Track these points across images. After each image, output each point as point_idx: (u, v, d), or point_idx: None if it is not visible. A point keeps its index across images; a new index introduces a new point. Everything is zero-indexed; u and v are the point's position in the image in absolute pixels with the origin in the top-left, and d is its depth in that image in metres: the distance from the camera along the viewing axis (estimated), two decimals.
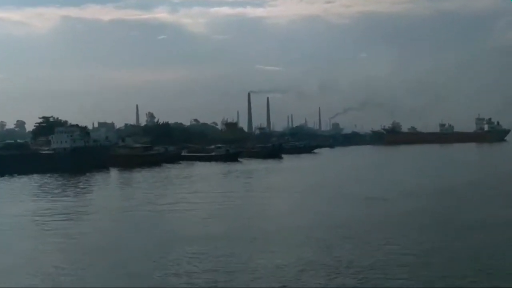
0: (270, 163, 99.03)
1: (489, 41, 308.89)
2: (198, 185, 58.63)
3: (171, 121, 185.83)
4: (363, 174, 65.63)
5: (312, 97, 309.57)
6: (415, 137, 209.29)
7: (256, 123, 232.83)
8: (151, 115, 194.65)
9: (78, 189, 57.87)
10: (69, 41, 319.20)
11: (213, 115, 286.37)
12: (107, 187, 61.19)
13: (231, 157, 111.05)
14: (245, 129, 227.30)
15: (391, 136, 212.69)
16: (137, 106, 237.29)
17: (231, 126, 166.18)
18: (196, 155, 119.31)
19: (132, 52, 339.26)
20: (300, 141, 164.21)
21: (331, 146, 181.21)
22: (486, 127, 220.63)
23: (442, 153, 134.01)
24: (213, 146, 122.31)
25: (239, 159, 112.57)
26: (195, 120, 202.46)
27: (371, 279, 19.74)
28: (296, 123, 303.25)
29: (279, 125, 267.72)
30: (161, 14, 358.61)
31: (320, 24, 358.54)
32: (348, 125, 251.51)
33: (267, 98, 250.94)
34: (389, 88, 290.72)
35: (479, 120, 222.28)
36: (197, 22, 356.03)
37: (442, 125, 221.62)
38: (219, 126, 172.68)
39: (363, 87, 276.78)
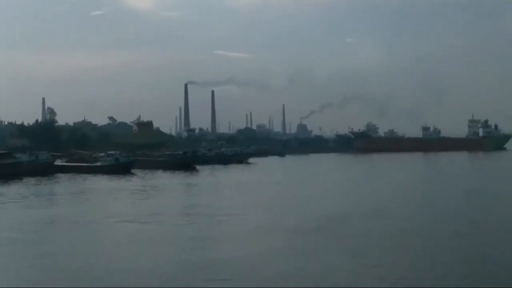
0: (168, 178, 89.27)
1: (503, 23, 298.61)
2: None
3: (87, 119, 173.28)
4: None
5: (282, 90, 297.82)
6: (392, 144, 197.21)
7: (202, 123, 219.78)
8: (51, 112, 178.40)
9: None
10: None
11: (149, 112, 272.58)
12: None
13: (121, 168, 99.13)
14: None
15: (361, 142, 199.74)
16: (43, 99, 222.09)
17: (145, 127, 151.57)
18: (76, 165, 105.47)
19: (56, 31, 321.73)
20: (243, 146, 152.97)
21: (281, 154, 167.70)
22: (481, 132, 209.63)
23: (422, 167, 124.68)
24: (102, 154, 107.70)
25: (133, 171, 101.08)
26: (111, 118, 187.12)
27: None
28: (259, 122, 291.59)
29: (238, 125, 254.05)
30: None
31: (296, 1, 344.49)
32: (323, 126, 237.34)
33: (212, 92, 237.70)
34: (380, 81, 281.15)
35: (473, 123, 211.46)
36: None
37: (425, 129, 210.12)
38: (134, 127, 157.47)
39: (347, 79, 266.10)
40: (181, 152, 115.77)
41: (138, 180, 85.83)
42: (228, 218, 43.46)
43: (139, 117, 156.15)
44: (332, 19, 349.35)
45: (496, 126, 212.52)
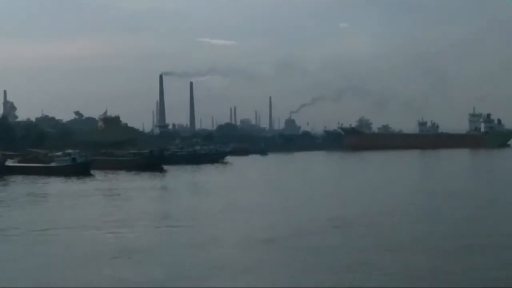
0: (129, 180, 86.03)
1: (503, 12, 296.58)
2: None
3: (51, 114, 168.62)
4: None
5: (270, 81, 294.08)
6: (386, 141, 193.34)
7: (180, 118, 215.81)
8: (11, 106, 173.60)
9: None
10: None
11: (123, 107, 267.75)
12: None
13: (78, 169, 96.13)
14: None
15: (351, 139, 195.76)
16: (4, 92, 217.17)
17: (112, 123, 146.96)
18: (28, 166, 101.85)
19: (20, 16, 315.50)
20: (219, 144, 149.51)
21: (263, 152, 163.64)
22: (483, 127, 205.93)
23: (414, 166, 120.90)
24: (59, 153, 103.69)
25: (92, 172, 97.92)
26: (77, 113, 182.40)
27: None
28: (245, 117, 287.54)
29: (222, 120, 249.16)
30: None
31: None
32: (315, 121, 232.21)
33: (190, 84, 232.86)
34: (376, 71, 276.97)
35: (474, 117, 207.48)
36: None
37: (422, 124, 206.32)
38: (100, 123, 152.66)
39: (341, 69, 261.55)
40: (147, 151, 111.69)
41: (95, 182, 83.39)
42: (161, 229, 41.17)
43: (106, 111, 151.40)
44: (326, 3, 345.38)
45: (499, 120, 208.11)
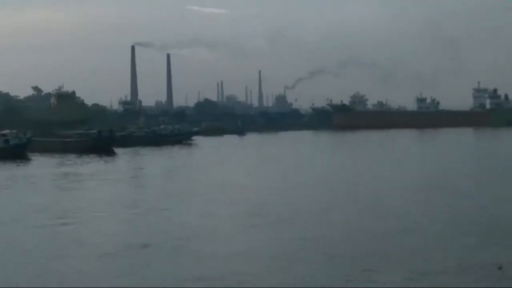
0: (65, 165, 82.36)
1: None
2: None
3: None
4: None
5: (264, 54, 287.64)
6: (380, 119, 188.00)
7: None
8: None
9: None
10: None
11: (95, 83, 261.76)
12: None
13: (12, 152, 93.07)
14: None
15: (341, 117, 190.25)
16: None
17: (65, 99, 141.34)
18: None
19: None
20: (186, 123, 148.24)
21: (240, 132, 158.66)
22: (488, 103, 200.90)
23: (405, 150, 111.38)
24: None
25: (31, 155, 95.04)
26: (35, 88, 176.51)
27: None
28: (233, 93, 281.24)
29: (208, 97, 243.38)
30: None
31: None
32: (314, 98, 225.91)
33: (168, 56, 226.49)
34: (384, 41, 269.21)
35: (479, 92, 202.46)
36: None
37: (421, 100, 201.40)
38: (52, 100, 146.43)
39: (344, 39, 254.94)
40: (95, 131, 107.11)
41: (24, 168, 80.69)
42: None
43: (62, 86, 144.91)
44: None
45: (506, 96, 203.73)
